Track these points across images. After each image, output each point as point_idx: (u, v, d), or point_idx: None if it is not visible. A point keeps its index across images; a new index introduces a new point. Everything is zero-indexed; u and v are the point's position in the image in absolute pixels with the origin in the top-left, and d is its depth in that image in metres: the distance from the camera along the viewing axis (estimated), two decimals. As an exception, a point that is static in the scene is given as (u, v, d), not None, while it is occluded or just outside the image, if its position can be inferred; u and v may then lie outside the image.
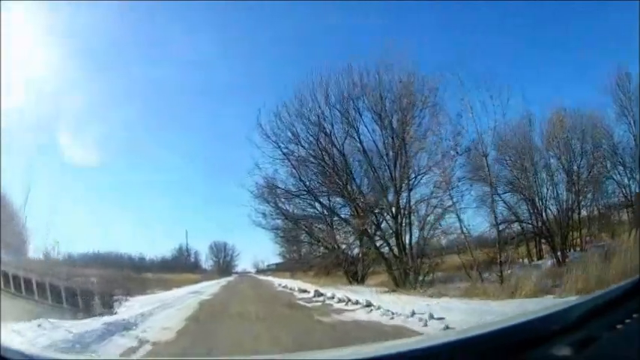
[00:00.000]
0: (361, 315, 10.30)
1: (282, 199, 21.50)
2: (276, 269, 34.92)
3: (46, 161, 19.67)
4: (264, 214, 22.40)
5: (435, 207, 17.87)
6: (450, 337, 2.72)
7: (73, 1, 15.73)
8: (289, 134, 18.64)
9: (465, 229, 17.32)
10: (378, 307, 10.73)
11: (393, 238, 18.41)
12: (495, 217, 17.15)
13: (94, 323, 8.21)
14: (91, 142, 21.13)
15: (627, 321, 2.00)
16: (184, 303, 14.00)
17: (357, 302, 12.12)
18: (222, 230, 35.63)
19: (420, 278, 17.11)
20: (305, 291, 18.04)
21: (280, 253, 30.58)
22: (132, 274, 20.96)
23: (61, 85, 18.69)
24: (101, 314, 10.94)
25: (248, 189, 20.68)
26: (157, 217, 30.12)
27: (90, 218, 23.32)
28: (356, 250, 23.06)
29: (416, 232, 17.95)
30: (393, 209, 18.18)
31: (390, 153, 18.46)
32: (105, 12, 17.70)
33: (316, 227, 22.73)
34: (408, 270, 17.54)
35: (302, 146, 18.79)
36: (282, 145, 18.81)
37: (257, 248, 42.19)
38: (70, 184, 21.04)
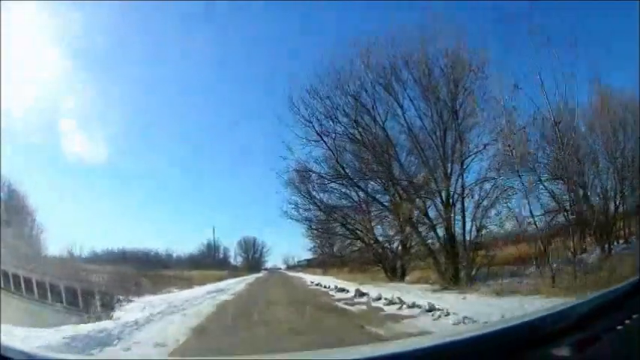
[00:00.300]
0: (427, 324, 7.42)
1: (316, 187, 18.85)
2: (307, 265, 33.55)
3: (52, 160, 20.34)
4: (295, 205, 19.89)
5: (491, 191, 14.87)
6: (450, 337, 2.44)
7: (74, 1, 15.28)
8: (325, 110, 15.94)
9: (534, 216, 14.39)
10: (447, 313, 7.93)
11: (442, 228, 15.56)
12: (573, 195, 14.18)
13: (56, 336, 5.65)
14: (102, 141, 21.83)
15: (627, 322, 1.95)
16: (199, 305, 11.34)
17: (413, 305, 9.27)
18: (252, 226, 34.42)
19: (472, 273, 14.46)
20: (343, 290, 15.17)
21: (311, 249, 28.34)
22: (147, 272, 19.11)
23: (61, 84, 18.42)
24: (98, 318, 8.82)
25: (278, 172, 18.12)
26: (186, 213, 28.94)
27: (112, 216, 23.68)
28: (395, 244, 20.46)
29: (469, 220, 15.06)
30: (443, 194, 15.28)
31: (439, 130, 15.60)
32: (105, 12, 17.27)
33: (352, 219, 20.01)
34: (460, 264, 14.61)
35: (339, 122, 16.00)
36: (317, 123, 16.10)
37: (287, 244, 40.83)
38: (83, 183, 21.68)
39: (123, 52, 21.89)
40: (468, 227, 15.01)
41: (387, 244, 20.37)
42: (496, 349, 1.95)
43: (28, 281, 8.74)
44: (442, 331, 6.44)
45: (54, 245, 16.29)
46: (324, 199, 19.44)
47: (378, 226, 20.47)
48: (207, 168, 29.84)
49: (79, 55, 20.26)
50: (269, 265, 34.73)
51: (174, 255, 27.06)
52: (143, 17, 20.80)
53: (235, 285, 20.76)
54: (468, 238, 14.97)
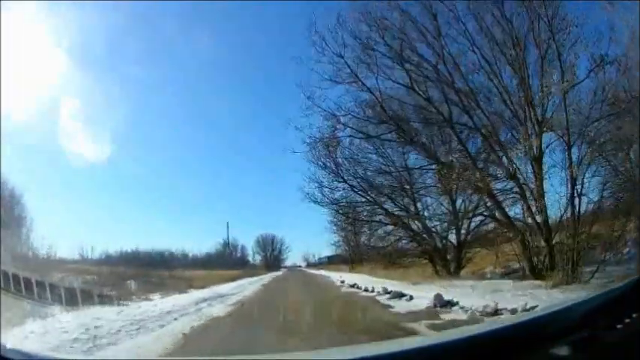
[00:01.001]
0: None
1: (347, 155, 13.44)
2: (329, 262, 30.21)
3: (52, 160, 18.70)
4: (319, 184, 14.50)
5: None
6: (450, 337, 2.29)
7: (74, 1, 14.29)
8: (362, 37, 10.79)
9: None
10: None
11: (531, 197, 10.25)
12: None
13: None
14: (105, 141, 19.43)
15: (627, 321, 1.77)
16: (151, 333, 5.42)
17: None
18: (271, 222, 31.66)
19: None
20: (401, 295, 8.94)
21: (335, 243, 24.11)
22: (150, 272, 15.52)
23: (61, 84, 16.73)
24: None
25: (297, 127, 12.79)
26: (201, 212, 27.83)
27: (116, 216, 22.50)
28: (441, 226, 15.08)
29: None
30: (535, 147, 9.90)
31: (520, 54, 10.29)
32: (105, 12, 16.50)
33: (392, 197, 14.72)
34: (567, 250, 9.07)
35: (385, 55, 10.68)
36: (351, 56, 11.02)
37: (306, 241, 37.89)
38: (86, 183, 20.66)
39: (123, 52, 20.73)
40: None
41: (437, 230, 14.92)
42: (496, 349, 1.75)
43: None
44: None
45: (53, 245, 13.77)
46: (358, 172, 13.95)
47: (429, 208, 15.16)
48: (220, 167, 28.48)
49: (79, 55, 18.80)
50: (289, 262, 31.77)
51: (190, 255, 24.63)
52: (143, 17, 19.35)
53: (247, 287, 15.51)
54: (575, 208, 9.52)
